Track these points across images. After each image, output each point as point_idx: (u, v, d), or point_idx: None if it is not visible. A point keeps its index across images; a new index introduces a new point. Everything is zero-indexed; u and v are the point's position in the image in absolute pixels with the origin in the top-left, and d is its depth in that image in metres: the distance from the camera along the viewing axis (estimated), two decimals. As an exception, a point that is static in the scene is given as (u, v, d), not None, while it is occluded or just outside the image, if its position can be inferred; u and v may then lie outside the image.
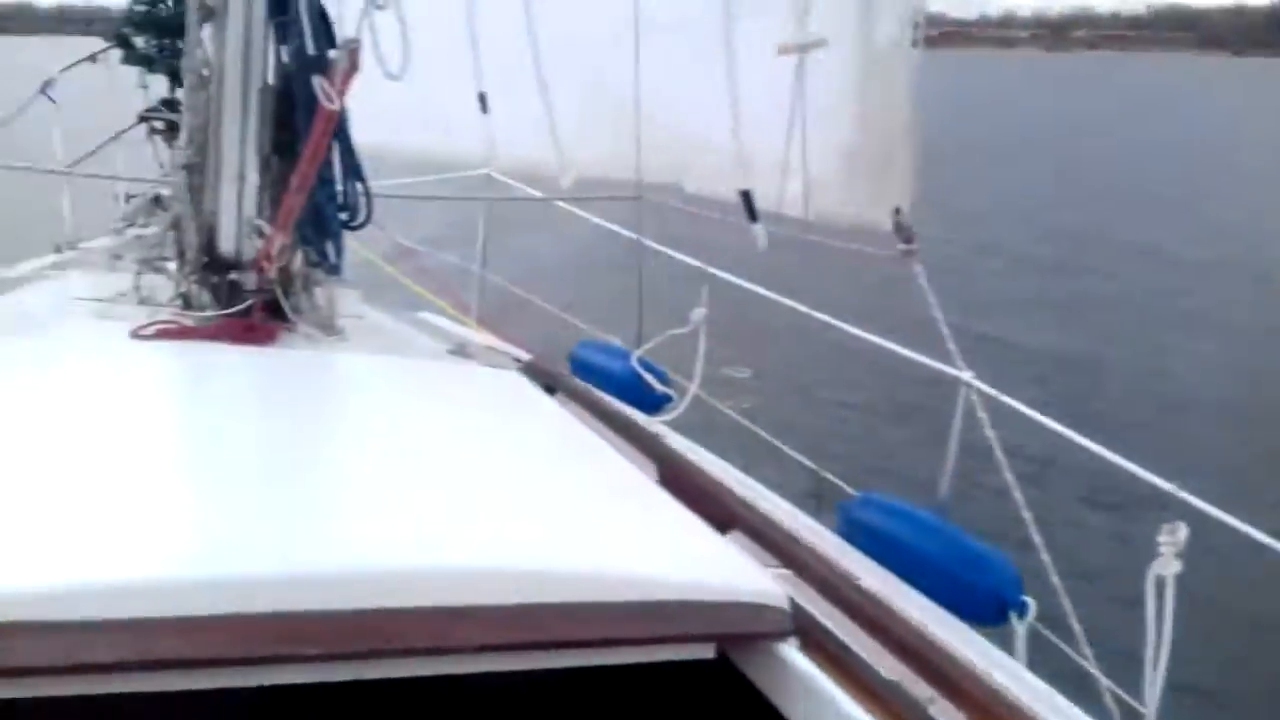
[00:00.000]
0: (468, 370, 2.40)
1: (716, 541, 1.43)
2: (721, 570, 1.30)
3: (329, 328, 2.55)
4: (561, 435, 1.86)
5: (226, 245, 2.41)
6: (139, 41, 8.02)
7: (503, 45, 3.81)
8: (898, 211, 2.93)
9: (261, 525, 1.18)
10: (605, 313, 4.07)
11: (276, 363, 2.14)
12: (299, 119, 2.32)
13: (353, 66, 1.75)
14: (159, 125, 8.08)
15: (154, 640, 0.93)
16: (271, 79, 2.38)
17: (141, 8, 7.98)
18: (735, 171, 3.36)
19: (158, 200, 7.07)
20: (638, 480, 1.67)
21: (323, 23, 2.29)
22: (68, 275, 3.34)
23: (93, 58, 7.78)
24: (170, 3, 7.96)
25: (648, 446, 1.86)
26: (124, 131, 7.65)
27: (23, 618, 0.91)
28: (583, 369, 3.11)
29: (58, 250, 5.54)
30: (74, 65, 7.47)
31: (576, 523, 1.39)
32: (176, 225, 2.46)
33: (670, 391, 3.27)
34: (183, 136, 2.39)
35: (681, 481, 1.68)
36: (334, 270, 2.47)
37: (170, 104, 8.01)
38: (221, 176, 2.38)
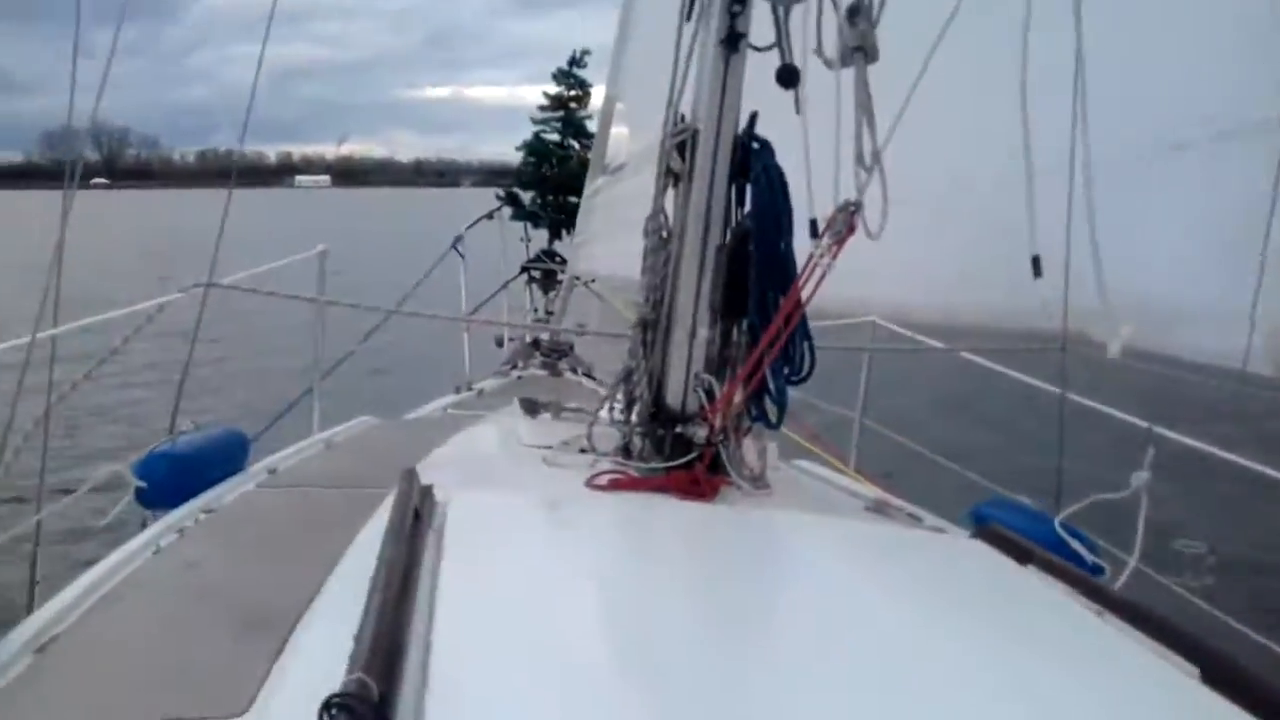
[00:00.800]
0: (927, 537, 2.23)
1: None
2: None
3: (760, 482, 2.50)
4: (1071, 624, 1.62)
5: (674, 399, 2.45)
6: (526, 198, 9.03)
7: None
8: None
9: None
10: (1007, 469, 3.78)
11: (731, 521, 2.09)
12: (752, 277, 2.35)
13: (850, 229, 1.71)
14: (535, 274, 8.91)
15: None
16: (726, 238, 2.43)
17: (529, 168, 9.00)
18: (1185, 322, 3.02)
19: (536, 344, 7.68)
20: (1190, 686, 1.39)
21: (781, 185, 2.32)
22: (500, 418, 3.61)
23: (490, 215, 8.82)
24: (554, 162, 8.94)
25: (1179, 641, 1.56)
26: (510, 281, 8.50)
27: None
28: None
29: (457, 390, 6.14)
30: (476, 223, 8.49)
31: None
32: (626, 378, 2.54)
33: (1101, 563, 2.90)
34: (639, 294, 2.48)
35: (1239, 686, 1.38)
36: (774, 425, 2.43)
37: (549, 254, 8.84)
38: (674, 332, 2.44)
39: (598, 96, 8.83)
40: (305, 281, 4.66)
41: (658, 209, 2.45)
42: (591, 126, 8.77)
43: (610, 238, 6.72)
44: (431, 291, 7.52)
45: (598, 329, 7.89)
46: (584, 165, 8.59)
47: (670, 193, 2.46)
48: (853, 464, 4.39)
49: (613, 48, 6.50)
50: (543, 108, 8.80)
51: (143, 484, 2.67)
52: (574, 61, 8.64)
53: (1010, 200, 3.30)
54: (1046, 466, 3.41)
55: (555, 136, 8.80)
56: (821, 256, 1.77)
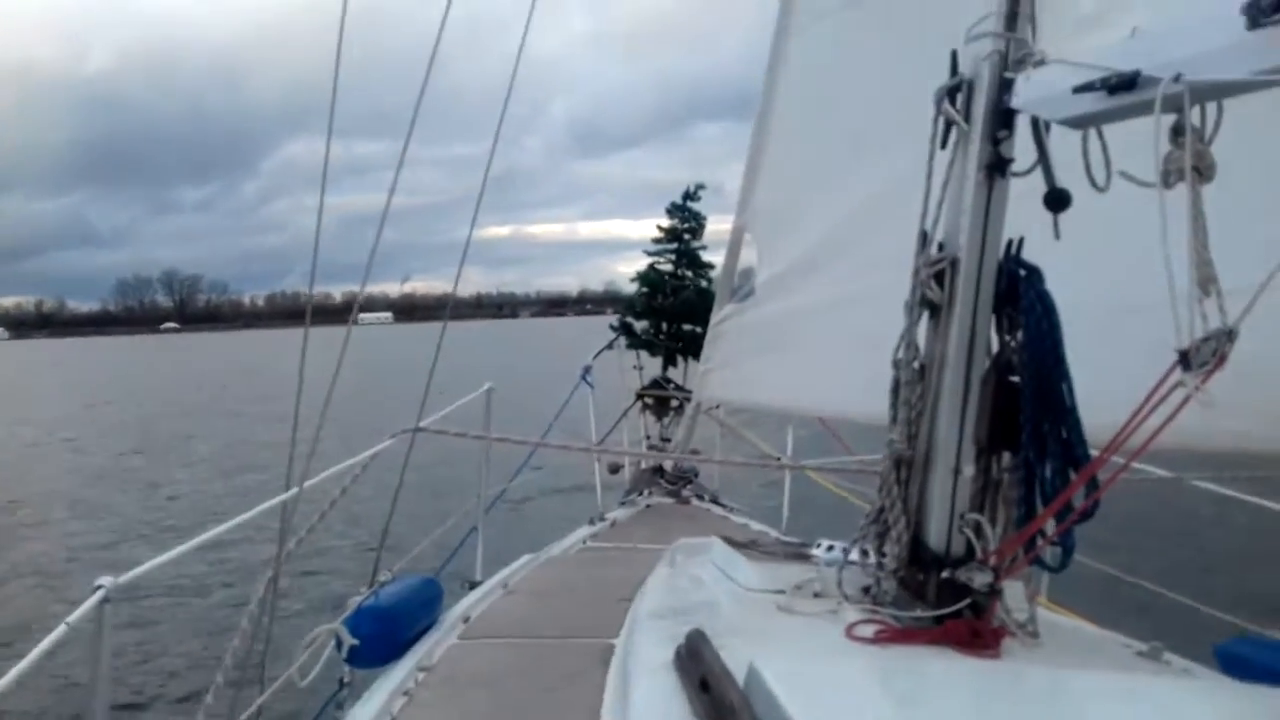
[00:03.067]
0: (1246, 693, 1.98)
1: None
2: None
3: (1030, 630, 2.30)
4: None
5: (936, 540, 2.29)
6: (639, 327, 9.07)
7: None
8: None
9: None
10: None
11: (1054, 683, 1.89)
12: (1024, 411, 2.21)
13: (1220, 361, 1.58)
14: (650, 402, 8.88)
15: None
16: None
17: (642, 298, 9.07)
18: None
19: (659, 471, 7.56)
20: None
21: (1050, 313, 2.20)
22: (683, 557, 3.44)
23: (610, 345, 8.88)
24: (668, 292, 8.99)
25: None
26: (629, 409, 8.47)
27: None
28: (1245, 672, 2.54)
29: (591, 522, 6.02)
30: (599, 354, 8.55)
31: None
32: (877, 518, 2.39)
33: None
34: (898, 431, 2.35)
35: None
36: (1057, 569, 2.24)
37: (659, 383, 8.81)
38: (934, 469, 2.30)
39: (711, 227, 8.91)
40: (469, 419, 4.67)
41: (911, 340, 2.35)
42: (706, 257, 8.84)
43: (738, 364, 6.66)
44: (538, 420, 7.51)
45: (720, 456, 7.76)
46: (700, 294, 8.63)
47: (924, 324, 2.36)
48: (1044, 593, 4.10)
49: (743, 179, 6.58)
50: (656, 240, 8.91)
51: (355, 642, 2.59)
52: (689, 195, 8.78)
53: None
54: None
55: (669, 267, 8.87)
56: (1192, 388, 1.62)
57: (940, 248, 2.31)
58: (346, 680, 2.73)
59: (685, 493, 7.25)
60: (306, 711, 3.45)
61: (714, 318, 6.89)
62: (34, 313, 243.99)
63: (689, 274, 8.82)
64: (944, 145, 2.32)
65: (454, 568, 4.51)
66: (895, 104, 4.81)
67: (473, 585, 3.70)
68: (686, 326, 8.77)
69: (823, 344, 5.55)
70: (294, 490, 2.49)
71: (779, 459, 6.53)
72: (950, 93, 2.29)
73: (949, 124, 2.30)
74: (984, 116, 2.23)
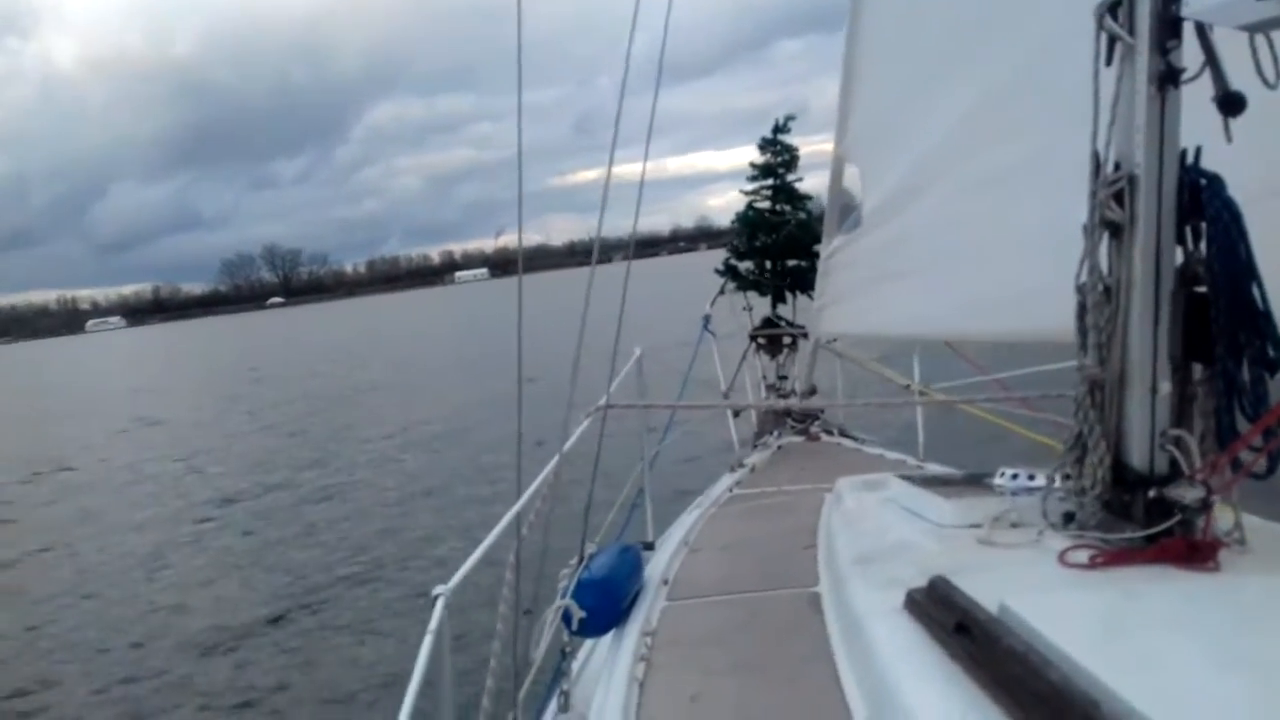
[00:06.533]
0: None
1: None
2: None
3: (1239, 538, 2.30)
4: None
5: (1139, 460, 2.30)
6: (743, 268, 9.05)
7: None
8: None
9: None
10: None
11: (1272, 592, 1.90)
12: (1217, 321, 2.19)
13: None
14: (762, 341, 8.88)
15: None
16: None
17: (743, 239, 9.03)
18: None
19: (785, 410, 7.58)
20: None
21: (1237, 220, 2.16)
22: (858, 495, 3.49)
23: (722, 290, 8.90)
24: (768, 228, 8.93)
25: None
26: (746, 353, 8.49)
27: None
28: None
29: (731, 469, 6.12)
30: (715, 299, 8.58)
31: None
32: (1075, 443, 2.40)
33: None
34: (1090, 354, 2.35)
35: None
36: (1264, 476, 2.23)
37: (770, 322, 8.80)
38: (1131, 389, 2.30)
39: (804, 149, 8.78)
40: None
41: (1095, 263, 2.33)
42: (802, 188, 8.74)
43: (854, 296, 6.62)
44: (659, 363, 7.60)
45: (840, 390, 7.76)
46: (801, 228, 8.56)
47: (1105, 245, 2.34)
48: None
49: (838, 108, 6.48)
50: (751, 177, 8.82)
51: (584, 614, 2.74)
52: (778, 129, 8.64)
53: None
54: None
55: (766, 204, 8.80)
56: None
57: (1116, 166, 2.28)
58: (567, 651, 2.89)
59: (814, 429, 7.29)
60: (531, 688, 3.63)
61: (823, 251, 6.84)
62: (151, 299, 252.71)
63: (787, 208, 8.73)
64: (1108, 62, 2.27)
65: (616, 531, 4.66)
66: (989, 7, 4.66)
67: (647, 546, 3.83)
68: (791, 262, 8.72)
69: (939, 266, 5.47)
70: (525, 496, 2.67)
71: (908, 386, 6.48)
72: (1111, 8, 2.24)
73: (1112, 40, 2.25)
74: (1151, 28, 2.17)
